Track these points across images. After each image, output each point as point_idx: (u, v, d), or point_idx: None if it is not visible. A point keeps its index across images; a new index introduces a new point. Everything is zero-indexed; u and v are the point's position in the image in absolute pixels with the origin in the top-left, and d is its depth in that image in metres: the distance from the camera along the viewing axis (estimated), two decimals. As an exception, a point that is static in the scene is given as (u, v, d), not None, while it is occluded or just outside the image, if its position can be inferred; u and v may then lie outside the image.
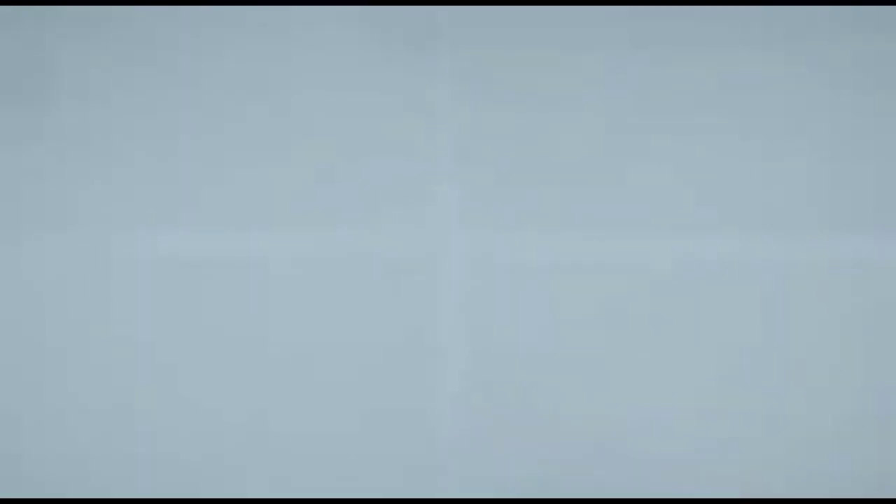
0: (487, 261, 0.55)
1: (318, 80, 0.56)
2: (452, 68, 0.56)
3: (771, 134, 0.54)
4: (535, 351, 0.54)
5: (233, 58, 0.56)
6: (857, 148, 0.56)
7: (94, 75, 0.56)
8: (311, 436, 0.55)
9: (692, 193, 0.55)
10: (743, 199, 0.55)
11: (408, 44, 0.56)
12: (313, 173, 0.56)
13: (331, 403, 0.54)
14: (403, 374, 0.54)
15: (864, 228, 0.55)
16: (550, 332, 0.54)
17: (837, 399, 0.53)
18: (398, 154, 0.56)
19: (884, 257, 0.54)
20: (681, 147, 0.55)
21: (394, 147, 0.56)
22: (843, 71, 0.56)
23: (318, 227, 0.56)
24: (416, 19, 0.56)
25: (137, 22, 0.56)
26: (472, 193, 0.55)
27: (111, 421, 0.54)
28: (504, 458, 0.54)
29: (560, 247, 0.55)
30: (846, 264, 0.52)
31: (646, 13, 0.56)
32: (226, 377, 0.53)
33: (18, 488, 0.55)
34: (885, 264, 0.54)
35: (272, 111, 0.56)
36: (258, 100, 0.56)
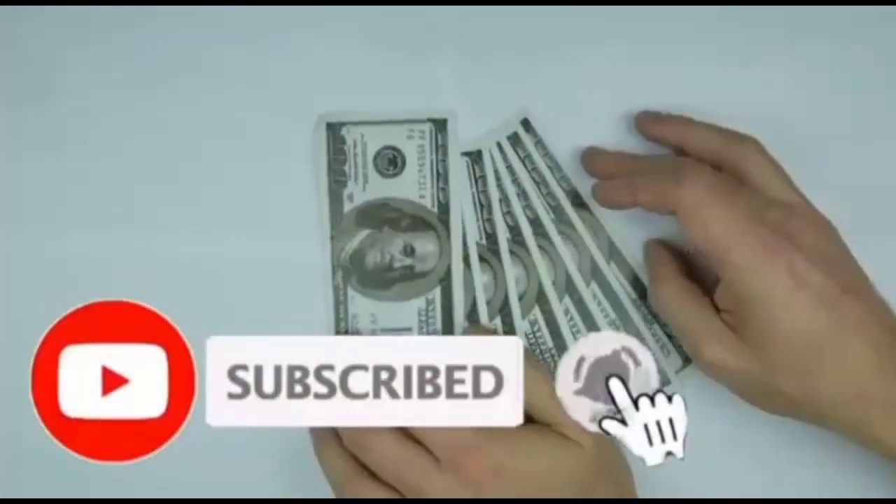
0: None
1: (322, 80, 0.56)
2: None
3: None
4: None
5: (234, 58, 0.56)
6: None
7: (95, 75, 0.56)
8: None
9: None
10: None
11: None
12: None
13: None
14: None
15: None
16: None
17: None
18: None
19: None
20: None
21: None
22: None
23: (315, 229, 0.56)
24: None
25: (137, 22, 0.56)
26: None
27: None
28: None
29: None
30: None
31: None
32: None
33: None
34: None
35: (275, 111, 0.56)
36: (261, 100, 0.56)
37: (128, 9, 0.56)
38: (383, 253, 0.55)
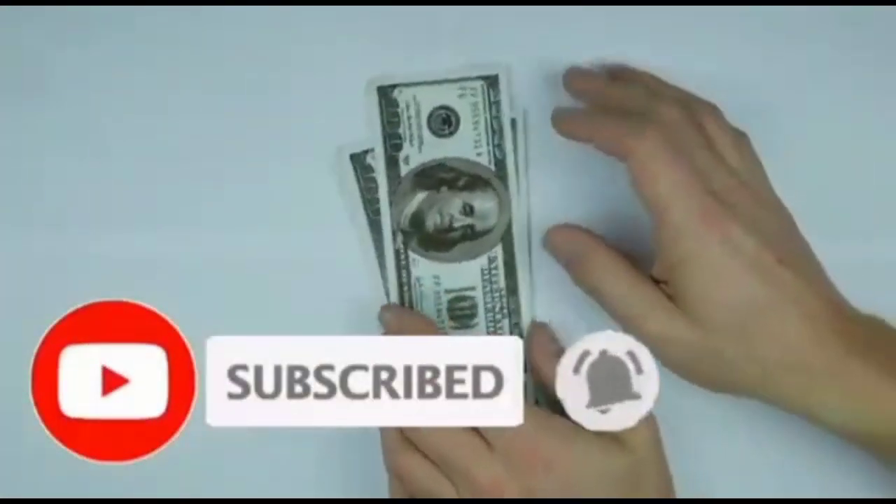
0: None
1: (322, 80, 0.56)
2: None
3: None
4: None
5: (233, 59, 0.56)
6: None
7: (95, 75, 0.56)
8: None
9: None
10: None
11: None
12: (315, 174, 0.56)
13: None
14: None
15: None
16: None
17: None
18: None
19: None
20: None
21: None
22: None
23: (315, 228, 0.56)
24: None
25: (137, 22, 0.56)
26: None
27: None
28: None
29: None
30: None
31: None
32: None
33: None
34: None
35: (274, 113, 0.56)
36: (261, 99, 0.56)
37: (128, 9, 0.56)
38: (442, 214, 0.55)
